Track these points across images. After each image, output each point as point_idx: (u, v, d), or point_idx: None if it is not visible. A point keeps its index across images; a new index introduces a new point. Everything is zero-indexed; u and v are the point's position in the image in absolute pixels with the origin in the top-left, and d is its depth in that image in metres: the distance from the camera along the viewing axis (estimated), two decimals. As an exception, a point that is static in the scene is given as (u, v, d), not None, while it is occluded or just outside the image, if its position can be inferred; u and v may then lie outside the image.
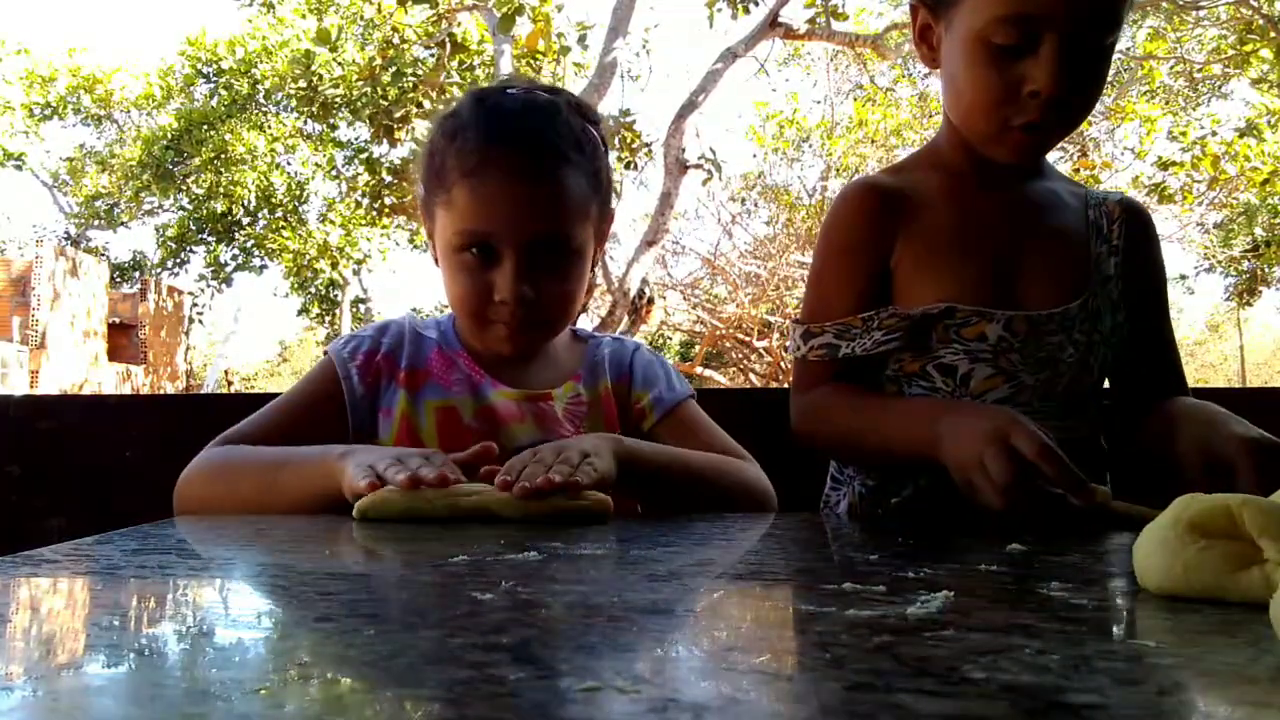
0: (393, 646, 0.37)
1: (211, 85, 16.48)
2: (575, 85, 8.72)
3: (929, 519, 0.93)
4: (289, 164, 16.34)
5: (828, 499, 1.20)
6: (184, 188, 16.45)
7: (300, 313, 20.08)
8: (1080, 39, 0.94)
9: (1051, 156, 1.18)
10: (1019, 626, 0.41)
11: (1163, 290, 1.15)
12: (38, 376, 13.91)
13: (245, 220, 16.69)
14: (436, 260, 1.07)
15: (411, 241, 17.12)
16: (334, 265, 16.59)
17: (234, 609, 0.50)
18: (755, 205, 11.28)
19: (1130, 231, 1.10)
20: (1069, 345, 1.04)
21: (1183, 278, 17.96)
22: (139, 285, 17.71)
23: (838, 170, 10.56)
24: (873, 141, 10.32)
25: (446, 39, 8.30)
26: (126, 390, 16.39)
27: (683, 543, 0.69)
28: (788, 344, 2.01)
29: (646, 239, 7.34)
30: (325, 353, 1.12)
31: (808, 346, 1.08)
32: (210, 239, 17.64)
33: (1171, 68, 10.35)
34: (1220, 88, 11.66)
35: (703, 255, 10.21)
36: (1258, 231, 13.59)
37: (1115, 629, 0.45)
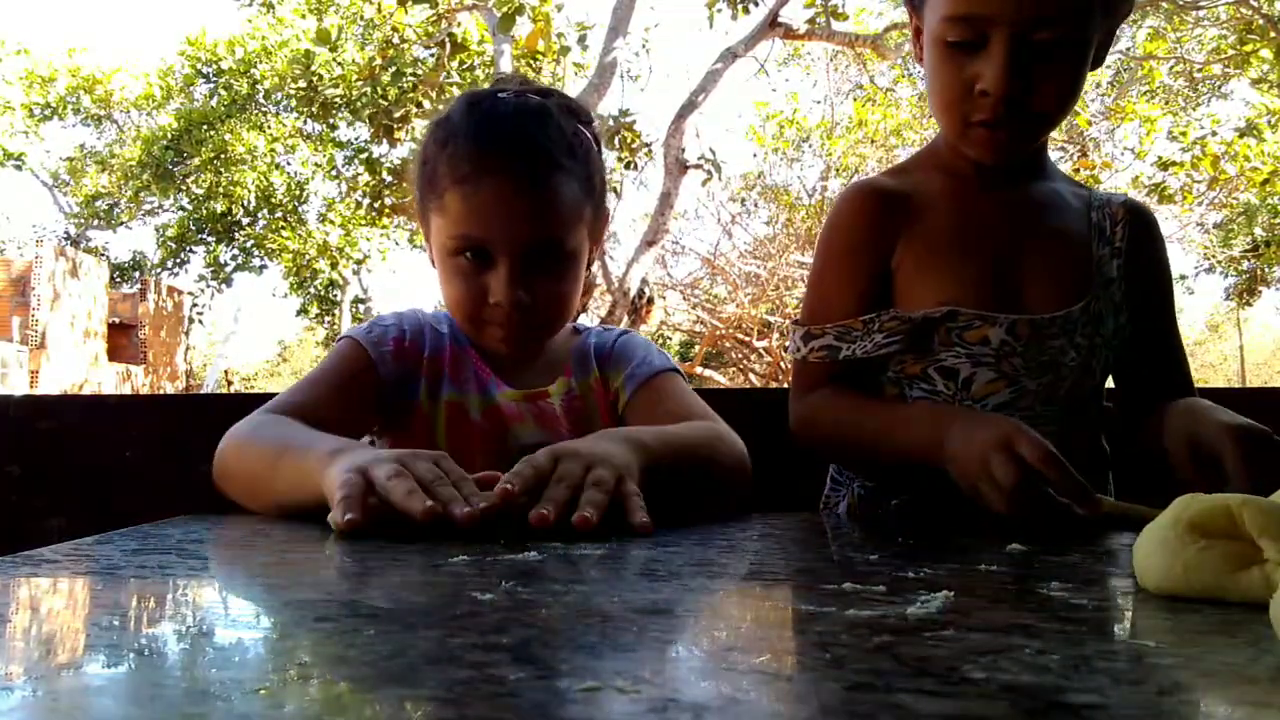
0: (392, 646, 0.37)
1: (211, 85, 16.48)
2: (575, 85, 8.73)
3: (929, 519, 0.93)
4: (289, 164, 16.35)
5: (828, 500, 1.20)
6: (184, 188, 16.45)
7: (300, 313, 20.06)
8: (1030, 36, 0.93)
9: (1051, 156, 1.17)
10: (1019, 626, 0.41)
11: (1168, 292, 1.14)
12: (38, 376, 13.90)
13: (245, 220, 16.70)
14: (433, 262, 1.07)
15: (411, 241, 17.11)
16: (334, 265, 16.60)
17: (234, 609, 0.50)
18: (755, 205, 11.28)
19: (1134, 233, 1.10)
20: (1071, 349, 1.03)
21: (1183, 278, 17.95)
22: (139, 285, 17.69)
23: (838, 170, 10.56)
24: (873, 142, 10.31)
25: (446, 39, 8.29)
26: (126, 390, 16.38)
27: (683, 543, 0.69)
28: (788, 345, 2.01)
29: (646, 239, 7.34)
30: (342, 338, 1.08)
31: (808, 348, 1.08)
32: (210, 239, 17.64)
33: (1171, 68, 10.34)
34: (1220, 88, 11.66)
35: (702, 255, 10.20)
36: (1257, 231, 13.59)
37: (1115, 629, 0.45)
